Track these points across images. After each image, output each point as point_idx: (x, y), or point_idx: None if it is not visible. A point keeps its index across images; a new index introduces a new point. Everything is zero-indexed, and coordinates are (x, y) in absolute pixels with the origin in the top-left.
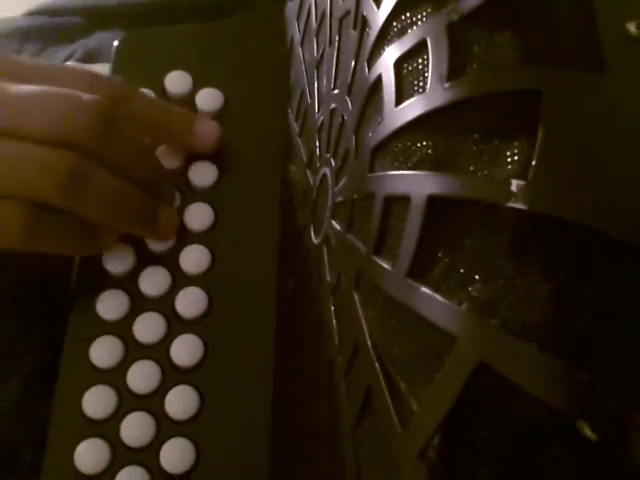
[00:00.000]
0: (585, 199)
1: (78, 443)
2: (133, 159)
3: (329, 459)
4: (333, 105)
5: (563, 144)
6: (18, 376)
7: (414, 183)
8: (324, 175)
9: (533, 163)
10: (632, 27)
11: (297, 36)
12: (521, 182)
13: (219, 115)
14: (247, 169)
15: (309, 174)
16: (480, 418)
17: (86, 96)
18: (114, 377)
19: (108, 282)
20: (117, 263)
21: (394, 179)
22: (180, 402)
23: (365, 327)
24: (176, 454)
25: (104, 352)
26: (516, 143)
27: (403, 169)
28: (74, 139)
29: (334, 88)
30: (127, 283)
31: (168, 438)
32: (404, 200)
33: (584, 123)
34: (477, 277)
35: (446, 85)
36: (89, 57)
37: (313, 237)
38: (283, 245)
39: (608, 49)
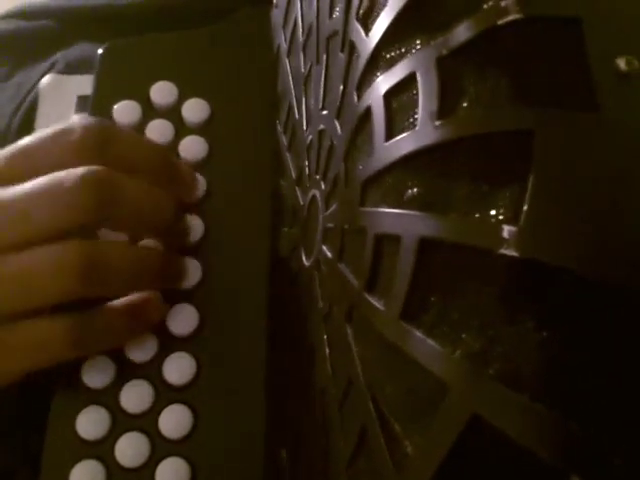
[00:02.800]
0: (578, 246)
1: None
2: (142, 210)
3: None
4: (322, 126)
5: (556, 187)
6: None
7: (405, 223)
8: (314, 197)
9: (524, 208)
10: (621, 63)
11: (284, 45)
12: (513, 228)
13: (205, 126)
14: (235, 182)
15: (298, 192)
16: (474, 470)
17: (68, 176)
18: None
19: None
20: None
21: (385, 217)
22: (174, 421)
23: (358, 363)
24: (172, 473)
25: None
26: (507, 186)
27: (394, 206)
28: (76, 223)
29: (322, 108)
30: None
31: (163, 458)
32: (395, 239)
33: (577, 165)
34: (470, 324)
35: (436, 123)
36: (71, 69)
37: (304, 258)
38: (273, 262)
39: (599, 87)
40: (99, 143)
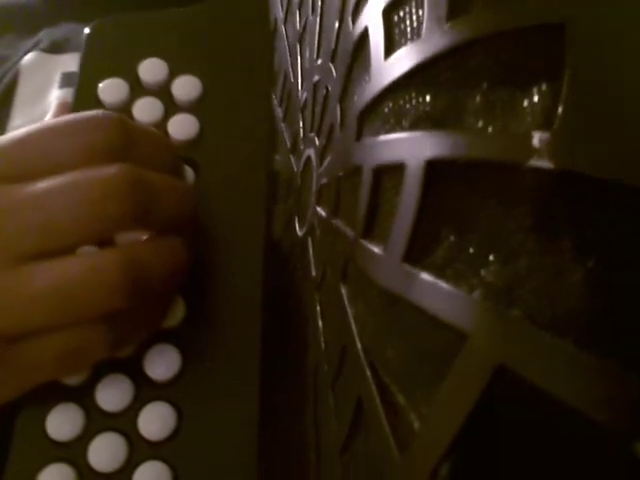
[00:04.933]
0: (628, 152)
1: None
2: (175, 209)
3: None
4: (316, 77)
5: (597, 86)
6: None
7: (409, 147)
8: (308, 158)
9: (559, 110)
10: None
11: (280, 15)
12: (545, 134)
13: (197, 104)
14: (227, 162)
15: (293, 160)
16: (501, 437)
17: (99, 175)
18: None
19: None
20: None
21: (385, 145)
22: (156, 421)
23: (354, 326)
24: (151, 478)
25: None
26: (534, 90)
27: (396, 132)
28: (110, 230)
29: (317, 58)
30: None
31: (142, 461)
32: (398, 169)
33: (620, 57)
34: (492, 257)
35: (446, 27)
36: (56, 47)
37: (297, 229)
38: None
39: None
40: (124, 139)
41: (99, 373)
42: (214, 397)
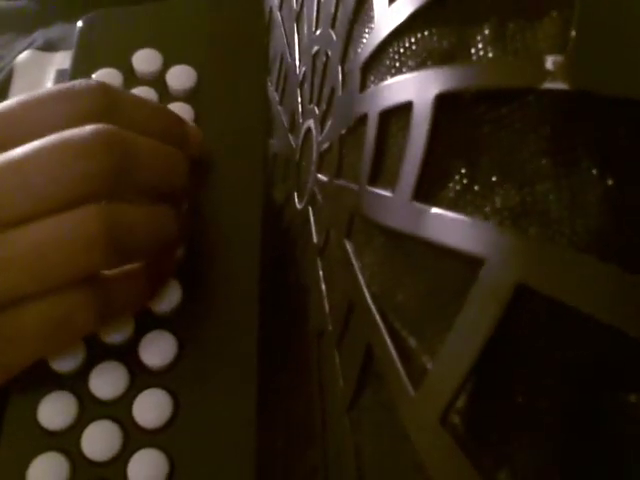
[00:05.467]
0: None
1: None
2: (159, 170)
3: (322, 448)
4: (315, 48)
5: (608, 7)
6: None
7: (417, 85)
8: (308, 129)
9: (572, 34)
10: None
11: (275, 2)
12: (558, 57)
13: (192, 94)
14: (225, 149)
15: (291, 138)
16: (522, 362)
17: (77, 134)
18: None
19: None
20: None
21: (391, 88)
22: (151, 409)
23: (361, 278)
24: (147, 467)
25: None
26: (546, 18)
27: (402, 74)
28: (89, 189)
29: (316, 30)
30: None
31: (137, 450)
32: (404, 110)
33: None
34: (506, 184)
35: None
36: (50, 46)
37: (297, 202)
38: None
39: None
40: (106, 103)
41: (93, 360)
42: (211, 384)
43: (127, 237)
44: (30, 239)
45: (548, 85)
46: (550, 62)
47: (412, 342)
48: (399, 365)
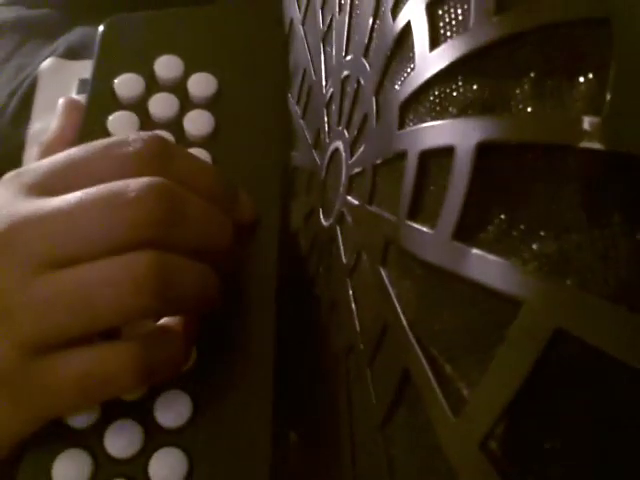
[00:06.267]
0: None
1: None
2: (206, 231)
3: (350, 464)
4: (345, 73)
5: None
6: None
7: (459, 131)
8: (335, 150)
9: (607, 97)
10: None
11: (297, 16)
12: (595, 118)
13: (213, 101)
14: (243, 158)
15: (316, 154)
16: (558, 397)
17: (131, 184)
18: None
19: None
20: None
21: (432, 131)
22: (172, 409)
23: (397, 305)
24: (166, 468)
25: None
26: (582, 79)
27: (442, 119)
28: (138, 238)
29: (346, 55)
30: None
31: (157, 448)
32: (446, 153)
33: None
34: (543, 233)
35: (494, 19)
36: (72, 53)
37: (322, 220)
38: (283, 238)
39: None
40: (161, 156)
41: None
42: (228, 389)
43: (174, 285)
44: (77, 279)
45: (585, 144)
46: (587, 123)
47: (448, 369)
48: (438, 391)
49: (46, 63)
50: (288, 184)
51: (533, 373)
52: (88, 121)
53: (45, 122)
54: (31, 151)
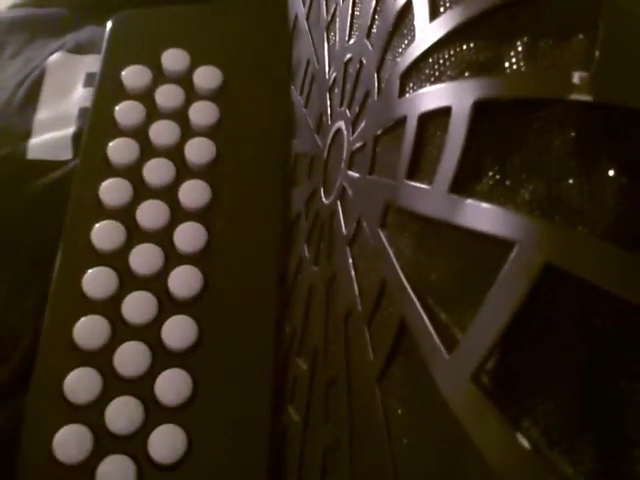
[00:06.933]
0: None
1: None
2: None
3: (347, 420)
4: (348, 56)
5: (628, 31)
6: None
7: (456, 92)
8: (337, 130)
9: (596, 54)
10: None
11: (302, 11)
12: (584, 73)
13: (217, 93)
14: (246, 148)
15: (318, 138)
16: (548, 330)
17: None
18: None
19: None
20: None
21: (430, 94)
22: (172, 387)
23: (395, 261)
24: (166, 443)
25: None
26: (573, 39)
27: (440, 83)
28: None
29: (349, 39)
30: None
31: (157, 425)
32: (443, 114)
33: None
34: (535, 180)
35: None
36: (80, 48)
37: (323, 197)
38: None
39: None
40: None
41: (118, 338)
42: (228, 366)
43: None
44: None
45: (574, 97)
46: (577, 77)
47: (443, 317)
48: (433, 333)
49: (54, 57)
50: (290, 172)
51: (523, 308)
52: (96, 109)
53: (50, 112)
54: (36, 139)
